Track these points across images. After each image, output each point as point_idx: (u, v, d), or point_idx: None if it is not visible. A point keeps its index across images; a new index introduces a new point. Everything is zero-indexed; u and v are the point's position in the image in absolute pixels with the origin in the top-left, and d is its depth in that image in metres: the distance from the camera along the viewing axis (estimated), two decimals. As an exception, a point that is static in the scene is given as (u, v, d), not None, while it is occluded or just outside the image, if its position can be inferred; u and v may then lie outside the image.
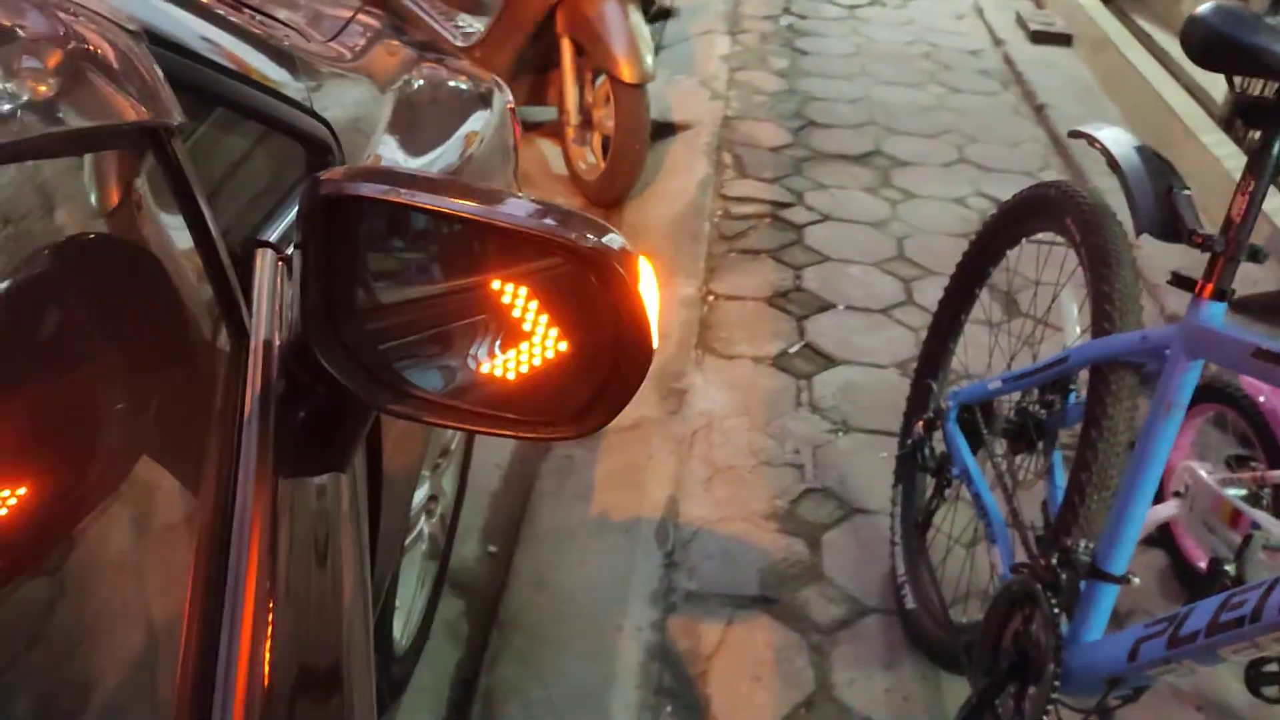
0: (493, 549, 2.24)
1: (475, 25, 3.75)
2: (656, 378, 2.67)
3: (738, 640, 1.98)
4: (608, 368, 0.74)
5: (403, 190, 0.73)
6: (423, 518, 1.81)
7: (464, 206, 0.73)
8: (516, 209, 0.74)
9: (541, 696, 1.88)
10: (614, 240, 0.72)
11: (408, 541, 1.69)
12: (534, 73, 3.71)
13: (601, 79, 3.46)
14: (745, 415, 2.59)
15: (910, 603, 1.97)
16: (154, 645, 0.59)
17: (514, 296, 0.76)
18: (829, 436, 2.54)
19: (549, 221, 0.73)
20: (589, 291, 0.72)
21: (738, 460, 2.44)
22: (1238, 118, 1.32)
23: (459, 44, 3.64)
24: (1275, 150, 1.26)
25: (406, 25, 3.63)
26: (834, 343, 2.89)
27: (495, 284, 0.77)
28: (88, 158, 0.65)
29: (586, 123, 3.60)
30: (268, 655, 0.60)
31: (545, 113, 3.96)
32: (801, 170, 3.86)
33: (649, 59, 3.27)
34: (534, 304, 0.76)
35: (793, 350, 2.86)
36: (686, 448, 2.46)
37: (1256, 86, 1.41)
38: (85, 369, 0.62)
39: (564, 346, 0.77)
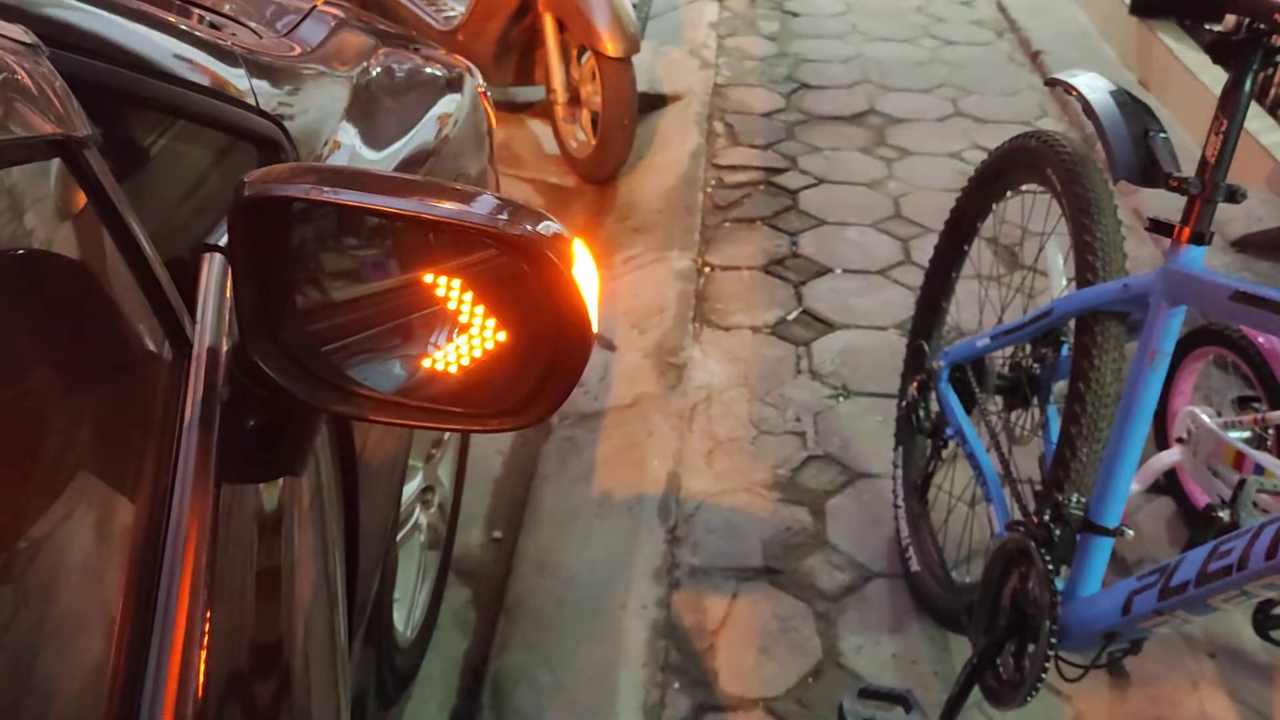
0: (497, 535, 2.24)
1: (456, 8, 3.73)
2: (654, 353, 2.66)
3: (743, 613, 1.97)
4: (549, 356, 0.73)
5: (327, 189, 0.72)
6: (418, 509, 1.81)
7: (392, 202, 0.72)
8: (446, 201, 0.73)
9: (550, 680, 1.88)
10: (547, 228, 0.70)
11: (402, 534, 1.69)
12: (519, 52, 3.68)
13: (587, 55, 3.43)
14: (745, 386, 2.58)
15: (915, 565, 1.96)
16: (85, 656, 0.58)
17: (449, 289, 0.75)
18: (830, 402, 2.52)
19: (479, 213, 0.71)
20: (524, 281, 0.71)
21: (739, 431, 2.43)
22: (1207, 55, 1.28)
23: (441, 28, 3.62)
24: (1246, 88, 1.23)
25: (387, 14, 3.62)
26: (832, 307, 2.87)
27: (430, 278, 0.75)
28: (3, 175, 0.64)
29: (574, 100, 3.57)
30: (201, 662, 0.60)
31: (534, 92, 3.94)
32: (794, 134, 3.82)
33: (632, 31, 3.23)
34: (470, 296, 0.75)
35: (791, 317, 2.84)
36: (687, 422, 2.45)
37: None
38: (12, 387, 0.62)
39: (504, 337, 0.75)
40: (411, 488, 1.74)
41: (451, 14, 3.71)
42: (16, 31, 0.64)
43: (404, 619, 1.76)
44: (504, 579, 2.10)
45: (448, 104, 1.73)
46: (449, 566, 2.04)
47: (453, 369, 0.79)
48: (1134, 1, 1.27)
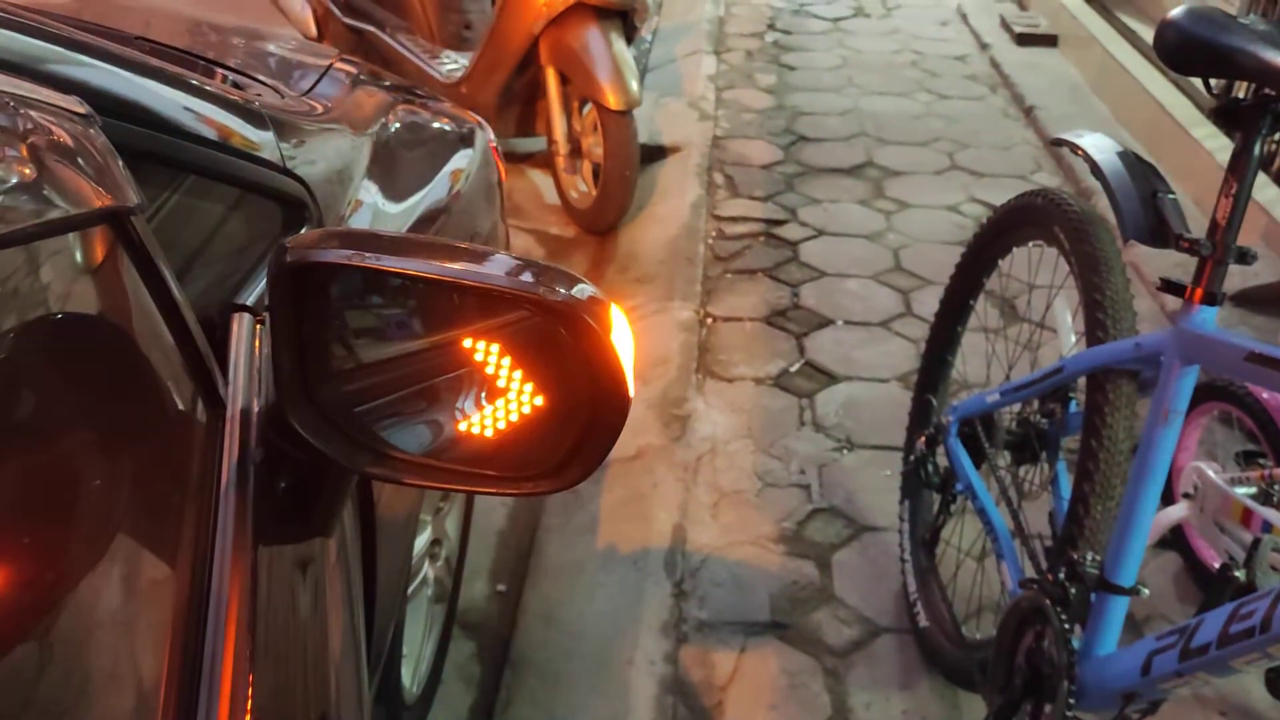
0: (502, 588, 2.23)
1: (460, 61, 3.77)
2: (658, 405, 2.67)
3: (751, 668, 1.96)
4: (585, 419, 0.73)
5: (368, 254, 0.73)
6: (426, 562, 1.80)
7: (429, 267, 0.72)
8: (482, 266, 0.74)
9: (556, 736, 1.86)
10: (583, 291, 0.71)
11: (411, 588, 1.68)
12: (521, 104, 3.72)
13: (588, 107, 3.46)
14: (749, 437, 2.58)
15: (923, 621, 1.95)
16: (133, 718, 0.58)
17: (486, 353, 0.76)
18: (834, 455, 2.52)
19: (515, 276, 0.72)
20: (561, 344, 0.71)
21: (743, 484, 2.43)
22: (1216, 120, 1.30)
23: (444, 81, 3.66)
24: (1256, 152, 1.25)
25: (391, 67, 3.66)
26: (834, 359, 2.88)
27: (468, 341, 0.76)
28: (48, 242, 0.64)
29: (576, 151, 3.60)
30: None
31: (535, 143, 3.98)
32: (794, 186, 3.86)
33: (634, 85, 3.27)
34: (507, 359, 0.76)
35: (793, 369, 2.85)
36: (691, 474, 2.45)
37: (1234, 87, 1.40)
38: (55, 450, 0.62)
39: (540, 400, 0.76)
40: (421, 541, 1.73)
41: (454, 66, 3.75)
42: (72, 102, 0.65)
43: (410, 674, 1.75)
44: (509, 633, 2.08)
45: (460, 159, 1.74)
46: (454, 620, 2.02)
47: (487, 431, 0.79)
48: (1165, 56, 1.29)
